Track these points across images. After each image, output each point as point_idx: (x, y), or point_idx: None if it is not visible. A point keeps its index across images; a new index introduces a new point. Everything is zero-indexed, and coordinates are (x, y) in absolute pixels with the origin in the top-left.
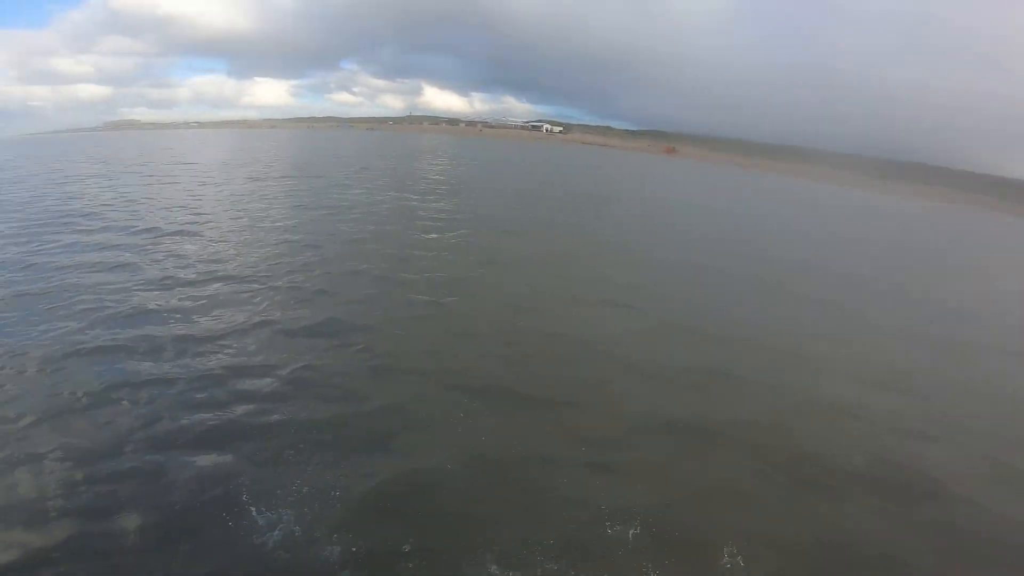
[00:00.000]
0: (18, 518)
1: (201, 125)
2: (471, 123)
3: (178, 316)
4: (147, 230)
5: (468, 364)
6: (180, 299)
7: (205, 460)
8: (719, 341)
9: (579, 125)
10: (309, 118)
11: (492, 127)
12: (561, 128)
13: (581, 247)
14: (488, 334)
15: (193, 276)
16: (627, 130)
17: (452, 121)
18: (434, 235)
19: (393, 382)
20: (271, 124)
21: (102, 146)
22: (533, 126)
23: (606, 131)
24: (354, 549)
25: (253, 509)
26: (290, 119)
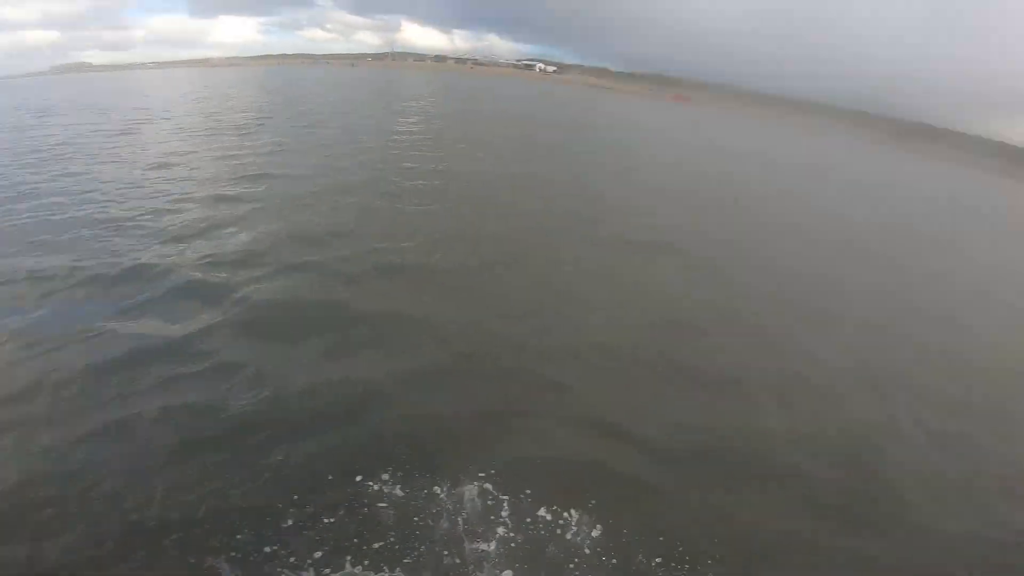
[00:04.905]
0: None
1: (159, 65)
2: (460, 60)
3: None
4: None
5: None
6: None
7: None
8: None
9: (574, 66)
10: (279, 55)
11: (483, 65)
12: (555, 68)
13: None
14: None
15: None
16: (624, 72)
17: (439, 58)
18: None
19: None
20: (232, 62)
21: (64, 89)
22: (526, 65)
23: (603, 73)
24: None
25: None
26: (257, 56)
